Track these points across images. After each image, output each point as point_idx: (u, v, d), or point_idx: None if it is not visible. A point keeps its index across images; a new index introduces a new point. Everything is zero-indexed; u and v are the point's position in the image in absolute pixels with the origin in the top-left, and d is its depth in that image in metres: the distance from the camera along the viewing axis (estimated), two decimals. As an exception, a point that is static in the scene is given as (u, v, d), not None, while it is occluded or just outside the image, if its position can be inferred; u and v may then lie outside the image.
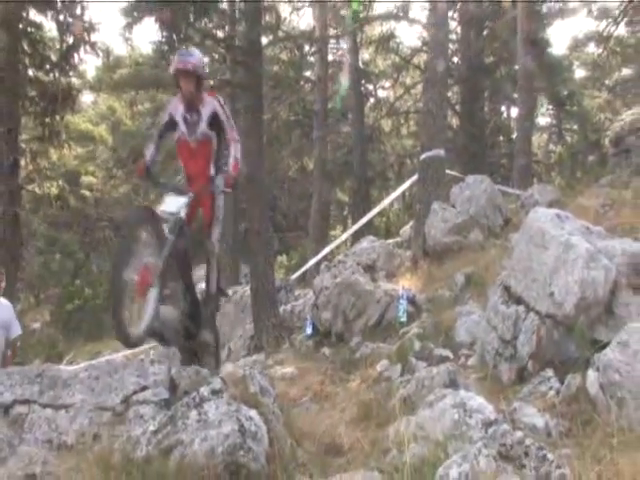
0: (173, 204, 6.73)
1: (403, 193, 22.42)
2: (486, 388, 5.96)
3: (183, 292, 7.22)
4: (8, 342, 9.29)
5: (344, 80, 28.60)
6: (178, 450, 4.23)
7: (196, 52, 7.29)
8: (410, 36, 41.20)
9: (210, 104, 7.18)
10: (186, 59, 7.07)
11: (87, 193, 37.25)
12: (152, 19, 15.90)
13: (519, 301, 6.47)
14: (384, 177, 33.19)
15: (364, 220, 19.98)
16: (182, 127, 7.21)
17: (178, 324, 7.06)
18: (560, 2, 28.86)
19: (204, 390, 4.59)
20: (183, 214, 6.70)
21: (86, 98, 34.26)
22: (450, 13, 23.18)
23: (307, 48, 30.62)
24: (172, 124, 7.28)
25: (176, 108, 7.25)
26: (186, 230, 6.95)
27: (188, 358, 7.14)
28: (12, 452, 5.86)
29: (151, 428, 4.47)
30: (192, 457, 4.14)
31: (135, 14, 16.51)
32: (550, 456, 3.79)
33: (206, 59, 7.44)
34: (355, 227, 20.37)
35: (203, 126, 7.19)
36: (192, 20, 15.05)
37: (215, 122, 7.20)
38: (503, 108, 34.11)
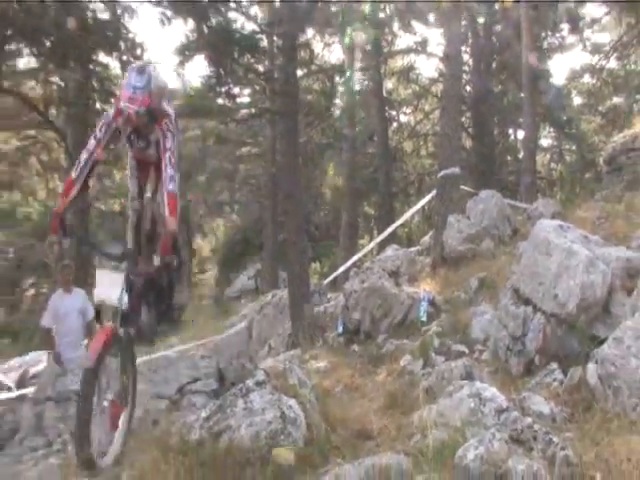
0: (111, 288, 5.01)
1: (423, 207, 22.31)
2: (498, 380, 5.94)
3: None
4: (85, 325, 9.48)
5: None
6: (227, 434, 4.26)
7: (152, 77, 5.22)
8: (428, 68, 41.45)
9: (156, 134, 5.48)
10: (136, 95, 5.11)
11: (145, 209, 37.53)
12: (201, 57, 16.14)
13: (527, 302, 6.45)
14: (406, 193, 33.15)
15: (389, 231, 19.94)
16: (128, 145, 5.67)
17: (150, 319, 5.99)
18: (559, 38, 28.83)
19: (249, 382, 4.62)
20: (125, 304, 5.03)
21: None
22: (463, 47, 23.10)
23: (337, 79, 30.72)
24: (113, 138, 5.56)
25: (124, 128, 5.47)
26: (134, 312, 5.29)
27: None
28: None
29: (203, 415, 4.51)
30: (239, 440, 4.17)
31: (186, 53, 16.69)
32: (555, 439, 3.78)
33: (164, 81, 5.42)
34: (380, 237, 20.35)
35: (152, 151, 5.63)
36: (236, 57, 15.20)
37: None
38: (510, 131, 33.95)
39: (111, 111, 5.48)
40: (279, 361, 7.75)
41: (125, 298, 5.02)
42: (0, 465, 6.30)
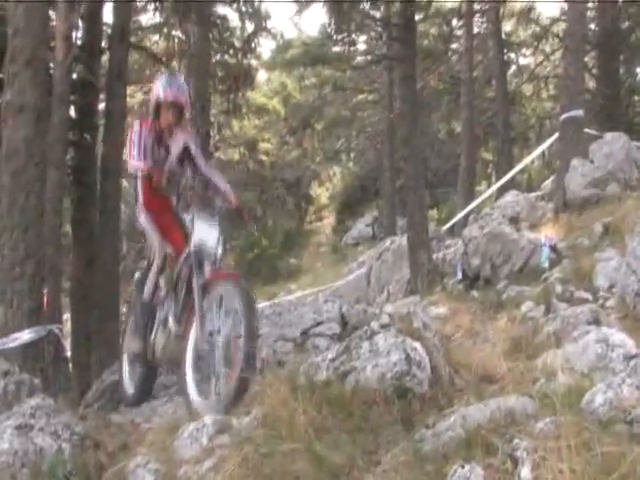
0: (209, 235, 5.48)
1: (543, 151, 21.73)
2: (626, 326, 5.78)
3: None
4: None
5: None
6: (353, 375, 4.34)
7: (182, 80, 6.26)
8: (549, 7, 39.38)
9: (181, 138, 6.12)
10: (178, 91, 5.86)
11: (263, 158, 38.21)
12: (319, 5, 16.11)
13: (657, 247, 6.23)
14: (525, 137, 32.30)
15: (508, 176, 19.54)
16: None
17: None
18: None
19: (374, 324, 4.68)
20: (220, 250, 5.52)
21: (261, 76, 34.84)
22: (587, -17, 21.96)
23: (454, 23, 30.02)
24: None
25: (147, 136, 5.92)
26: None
27: None
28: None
29: (330, 356, 4.61)
30: (365, 382, 4.24)
31: (303, 1, 16.69)
32: (691, 388, 3.66)
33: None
34: (500, 183, 19.97)
35: (173, 161, 6.11)
36: (353, 3, 15.09)
37: (184, 157, 6.16)
38: (638, 70, 32.23)
39: (135, 128, 5.94)
40: (400, 306, 7.80)
41: (221, 239, 5.48)
42: (138, 401, 6.62)
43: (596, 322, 5.81)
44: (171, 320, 5.74)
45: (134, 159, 5.76)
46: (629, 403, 3.45)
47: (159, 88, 5.88)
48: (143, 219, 5.96)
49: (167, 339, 5.85)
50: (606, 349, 4.37)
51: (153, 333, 6.01)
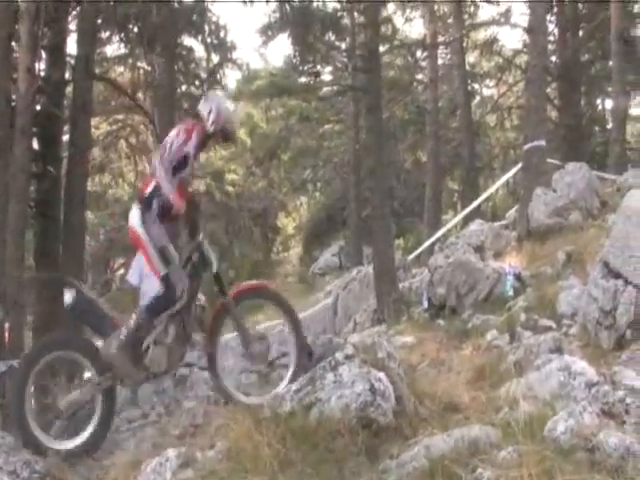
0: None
1: (507, 180, 22.03)
2: (587, 354, 5.85)
3: None
4: None
5: None
6: (317, 406, 4.34)
7: None
8: (512, 39, 40.21)
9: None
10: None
11: (230, 188, 38.09)
12: (284, 36, 16.27)
13: (617, 275, 6.31)
14: (490, 167, 32.69)
15: (473, 205, 19.78)
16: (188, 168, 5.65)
17: None
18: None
19: (339, 355, 4.68)
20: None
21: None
22: (548, 16, 22.47)
23: (419, 54, 30.44)
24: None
25: (195, 146, 5.57)
26: None
27: None
28: (178, 406, 6.17)
29: (294, 387, 4.60)
30: (329, 412, 4.24)
31: (269, 33, 16.83)
32: (649, 414, 3.72)
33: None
34: (465, 212, 20.19)
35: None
36: (318, 35, 15.26)
37: None
38: (598, 101, 32.93)
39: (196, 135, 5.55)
40: (365, 336, 7.80)
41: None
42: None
43: (558, 350, 5.87)
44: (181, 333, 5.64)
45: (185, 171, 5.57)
46: (590, 431, 3.50)
47: (231, 113, 5.73)
48: (162, 232, 5.78)
49: (165, 351, 5.57)
50: (568, 377, 4.42)
51: (146, 347, 5.61)
